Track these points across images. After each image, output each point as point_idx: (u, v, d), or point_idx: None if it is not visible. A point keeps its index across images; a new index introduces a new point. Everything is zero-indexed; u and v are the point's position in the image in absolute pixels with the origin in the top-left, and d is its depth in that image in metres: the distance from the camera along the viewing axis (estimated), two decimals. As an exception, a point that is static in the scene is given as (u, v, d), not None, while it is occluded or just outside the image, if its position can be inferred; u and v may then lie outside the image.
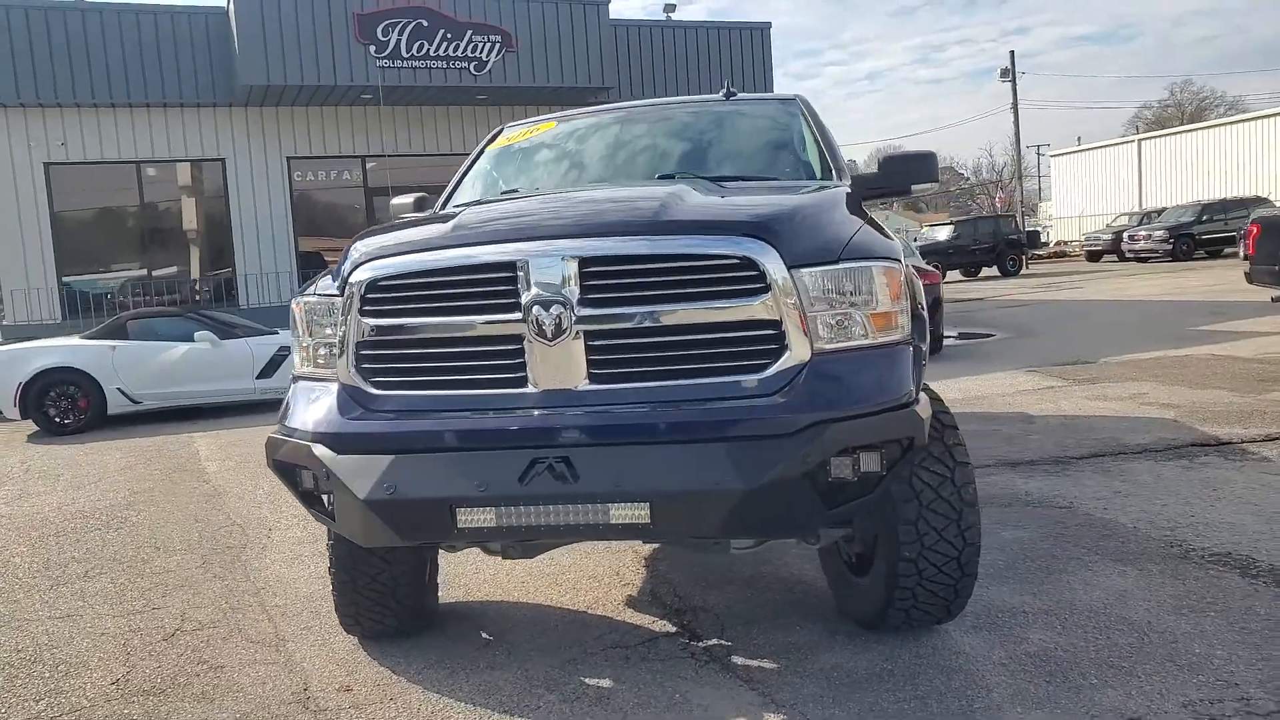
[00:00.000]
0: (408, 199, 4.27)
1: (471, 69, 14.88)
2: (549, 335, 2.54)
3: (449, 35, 14.63)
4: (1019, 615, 3.34)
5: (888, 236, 3.08)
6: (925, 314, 2.96)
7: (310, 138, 15.50)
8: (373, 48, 14.23)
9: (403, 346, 2.70)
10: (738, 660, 3.13)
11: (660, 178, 3.75)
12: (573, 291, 2.54)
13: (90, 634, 3.70)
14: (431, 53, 14.54)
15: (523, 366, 2.59)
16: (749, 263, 2.52)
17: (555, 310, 2.53)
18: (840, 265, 2.63)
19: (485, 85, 15.01)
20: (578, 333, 2.54)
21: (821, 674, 2.98)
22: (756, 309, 2.53)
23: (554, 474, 2.44)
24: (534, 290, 2.54)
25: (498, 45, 15.03)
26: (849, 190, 3.61)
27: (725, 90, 4.50)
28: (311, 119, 15.33)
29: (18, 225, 14.02)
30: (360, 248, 2.84)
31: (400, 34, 14.37)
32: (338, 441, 2.64)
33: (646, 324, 2.55)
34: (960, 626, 3.27)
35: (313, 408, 2.77)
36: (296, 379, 2.95)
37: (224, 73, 14.29)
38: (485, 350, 2.62)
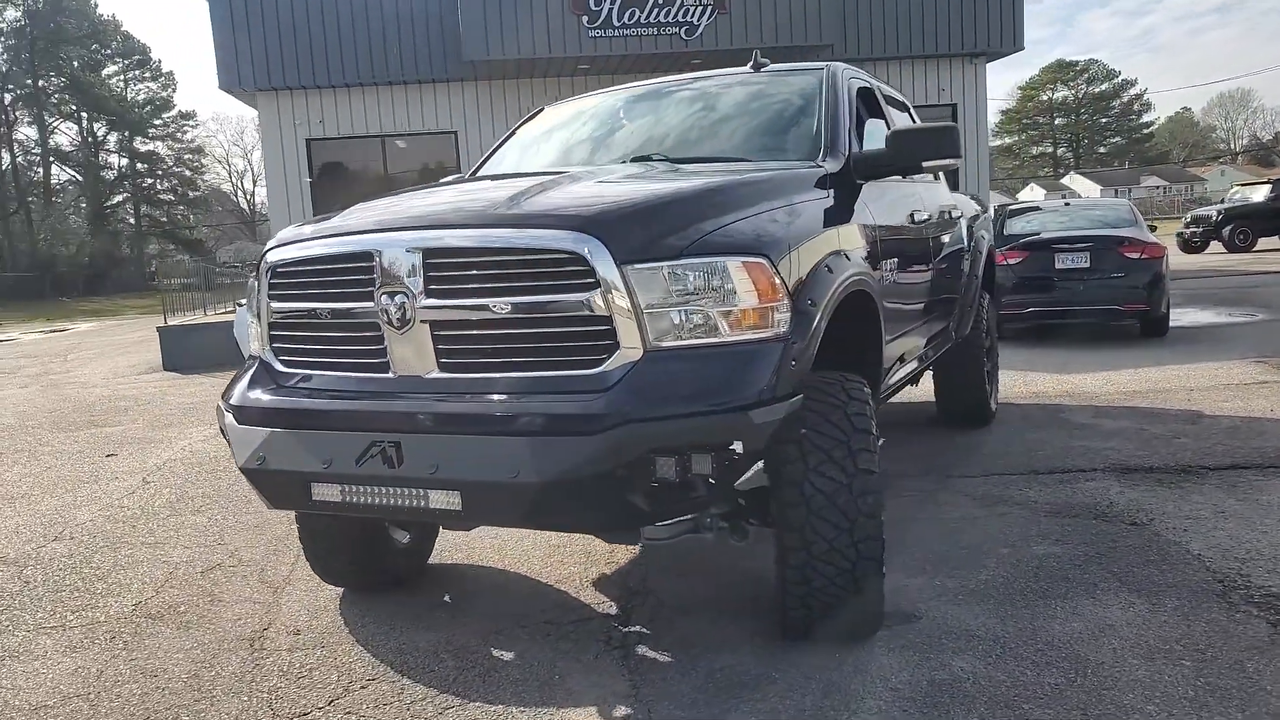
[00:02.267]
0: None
1: (682, 34, 14.95)
2: (397, 324, 2.67)
3: (659, 1, 14.78)
4: (964, 639, 3.07)
5: (846, 220, 2.92)
6: (815, 309, 2.75)
7: (533, 109, 16.28)
8: (585, 18, 14.69)
9: (297, 328, 2.94)
10: (642, 649, 3.13)
11: (632, 160, 3.73)
12: (417, 282, 2.64)
13: (157, 562, 4.33)
14: (642, 20, 14.76)
15: (384, 353, 2.74)
16: (577, 258, 2.50)
17: (400, 300, 2.65)
18: (683, 261, 2.53)
19: (696, 50, 15.04)
20: (424, 322, 2.65)
21: (708, 673, 2.92)
22: (586, 305, 2.51)
23: (384, 458, 2.58)
24: (383, 280, 2.68)
25: (709, 8, 14.98)
26: (828, 172, 3.41)
27: (754, 62, 4.34)
28: (535, 90, 16.09)
29: (284, 194, 15.96)
30: (281, 232, 3.10)
31: (612, 2, 14.71)
32: (238, 413, 2.93)
33: (486, 316, 2.61)
34: (890, 644, 3.06)
35: (239, 380, 3.08)
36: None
37: (453, 50, 15.34)
38: (354, 336, 2.79)
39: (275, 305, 2.97)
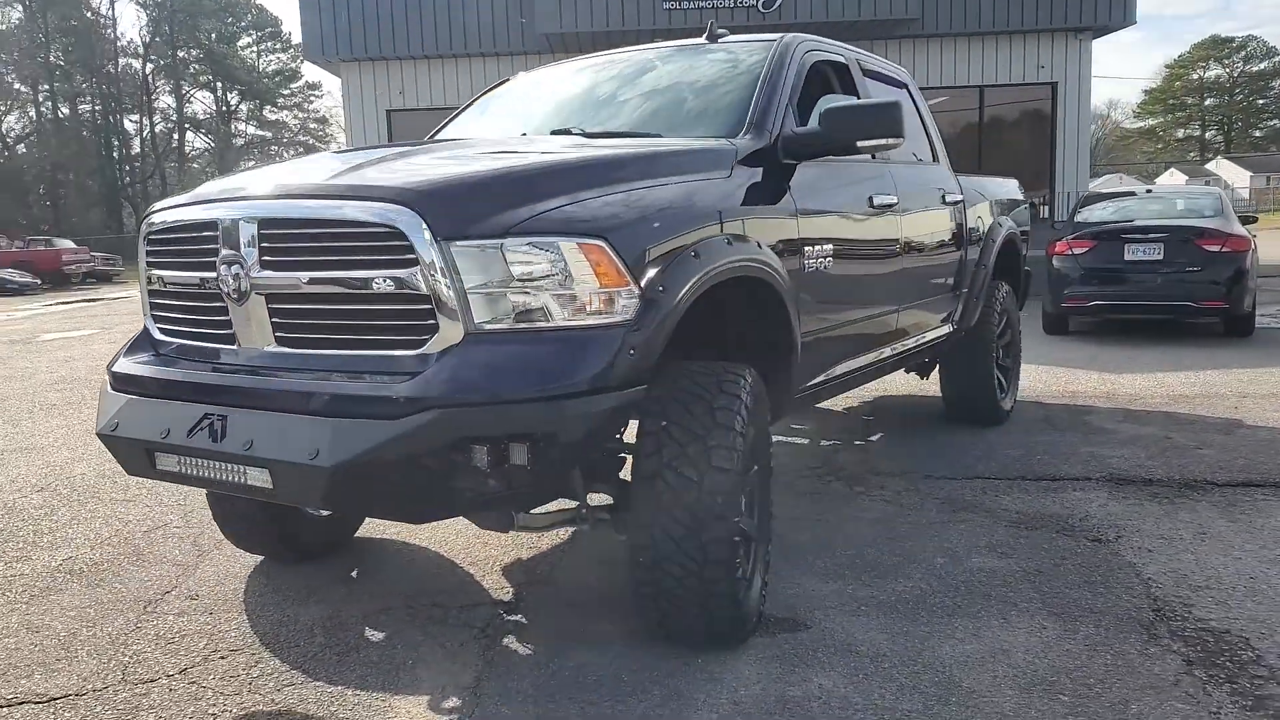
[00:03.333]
0: None
1: (760, 6, 14.59)
2: (235, 296, 2.64)
3: (737, -27, 14.47)
4: (842, 654, 2.89)
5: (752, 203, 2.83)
6: (669, 296, 2.59)
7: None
8: (660, -9, 14.50)
9: (167, 295, 2.94)
10: (508, 640, 3.06)
11: (552, 132, 3.61)
12: (252, 253, 2.60)
13: (111, 519, 4.47)
14: (718, -8, 14.48)
15: (230, 324, 2.72)
16: (396, 233, 2.41)
17: (235, 270, 2.62)
18: (509, 240, 2.41)
19: (774, 23, 14.63)
20: (260, 295, 2.61)
21: (557, 671, 2.83)
22: (405, 282, 2.42)
23: (210, 431, 2.56)
24: (223, 250, 2.65)
25: (788, -20, 14.57)
26: (739, 150, 3.22)
27: (709, 32, 4.14)
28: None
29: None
30: (165, 199, 3.11)
31: (688, -25, 14.47)
32: (113, 379, 2.96)
33: (315, 290, 2.55)
34: (763, 652, 2.91)
35: (125, 347, 3.11)
36: None
37: (528, 23, 15.39)
38: (205, 306, 2.78)
39: (150, 271, 2.99)
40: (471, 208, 2.44)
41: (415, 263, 2.40)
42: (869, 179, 4.05)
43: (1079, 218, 10.35)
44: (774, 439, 5.69)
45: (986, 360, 5.56)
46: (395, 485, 2.40)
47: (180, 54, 62.48)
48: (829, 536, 3.93)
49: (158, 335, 3.01)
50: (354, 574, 3.68)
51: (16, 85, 56.00)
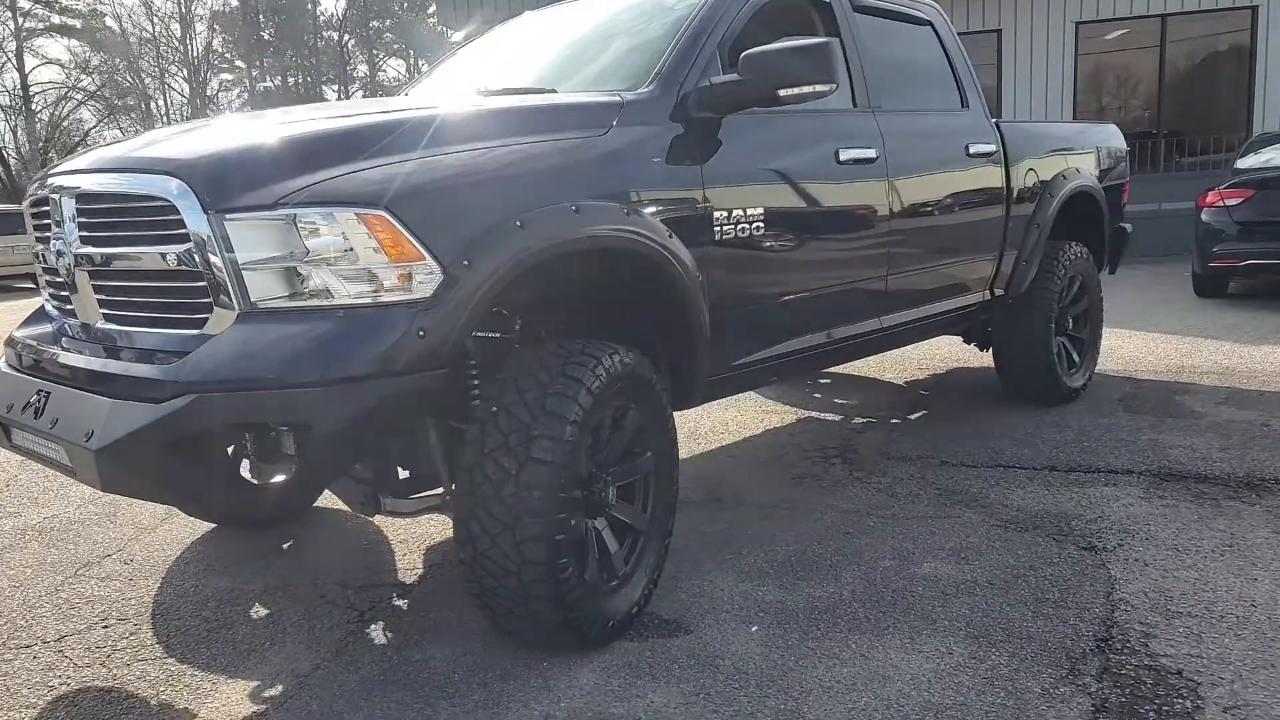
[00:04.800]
0: None
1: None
2: (63, 270, 2.62)
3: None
4: (701, 668, 2.61)
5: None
6: (473, 273, 2.35)
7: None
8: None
9: (42, 269, 2.98)
10: (373, 628, 2.96)
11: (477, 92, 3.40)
12: (73, 229, 2.57)
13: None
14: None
15: (70, 299, 2.71)
16: (169, 205, 2.30)
17: (58, 245, 2.60)
18: (282, 211, 2.25)
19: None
20: (82, 270, 2.58)
21: (395, 665, 2.70)
22: (182, 258, 2.32)
23: (35, 408, 2.56)
24: (53, 226, 2.64)
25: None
26: (626, 104, 2.92)
27: None
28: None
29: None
30: None
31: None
32: (4, 348, 3.04)
33: (120, 266, 2.50)
34: (618, 660, 2.68)
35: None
36: None
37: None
38: (57, 281, 2.78)
39: (36, 245, 3.03)
40: (243, 177, 2.29)
41: (188, 237, 2.29)
42: (839, 132, 3.60)
43: (1240, 163, 9.06)
44: (810, 414, 5.35)
45: (1043, 330, 4.92)
46: (167, 472, 2.31)
47: (374, 24, 65.82)
48: (783, 528, 3.59)
49: (47, 307, 3.06)
50: (286, 546, 3.69)
51: (237, 61, 61.01)
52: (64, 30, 44.44)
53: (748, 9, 3.40)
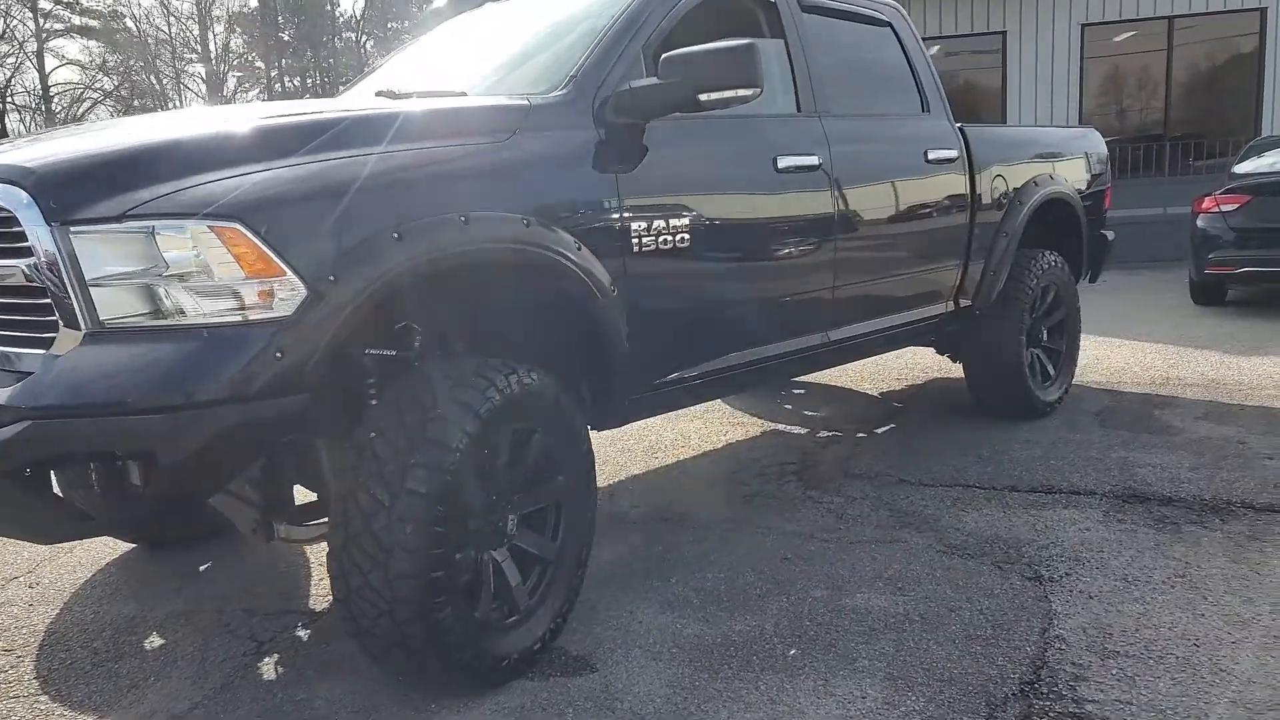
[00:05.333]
0: None
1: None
2: None
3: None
4: (594, 711, 2.45)
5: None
6: (338, 290, 2.20)
7: None
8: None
9: None
10: (269, 660, 2.82)
11: (377, 94, 3.24)
12: None
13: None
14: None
15: None
16: (11, 217, 2.16)
17: None
18: (130, 224, 2.10)
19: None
20: None
21: (279, 704, 2.56)
22: (25, 273, 2.17)
23: None
24: None
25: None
26: (532, 108, 2.77)
27: None
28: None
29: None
30: None
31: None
32: None
33: None
34: (505, 704, 2.52)
35: None
36: None
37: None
38: None
39: None
40: (91, 187, 2.14)
41: (31, 251, 2.15)
42: (778, 139, 3.44)
43: (1238, 168, 8.80)
44: (776, 427, 5.17)
45: (1013, 342, 4.73)
46: (7, 501, 2.17)
47: (392, 25, 66.06)
48: (720, 552, 3.42)
49: None
50: (203, 568, 3.55)
51: (257, 62, 61.27)
52: (84, 31, 44.56)
53: (678, 10, 3.23)
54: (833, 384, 6.15)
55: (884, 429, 5.07)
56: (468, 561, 2.46)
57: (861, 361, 6.39)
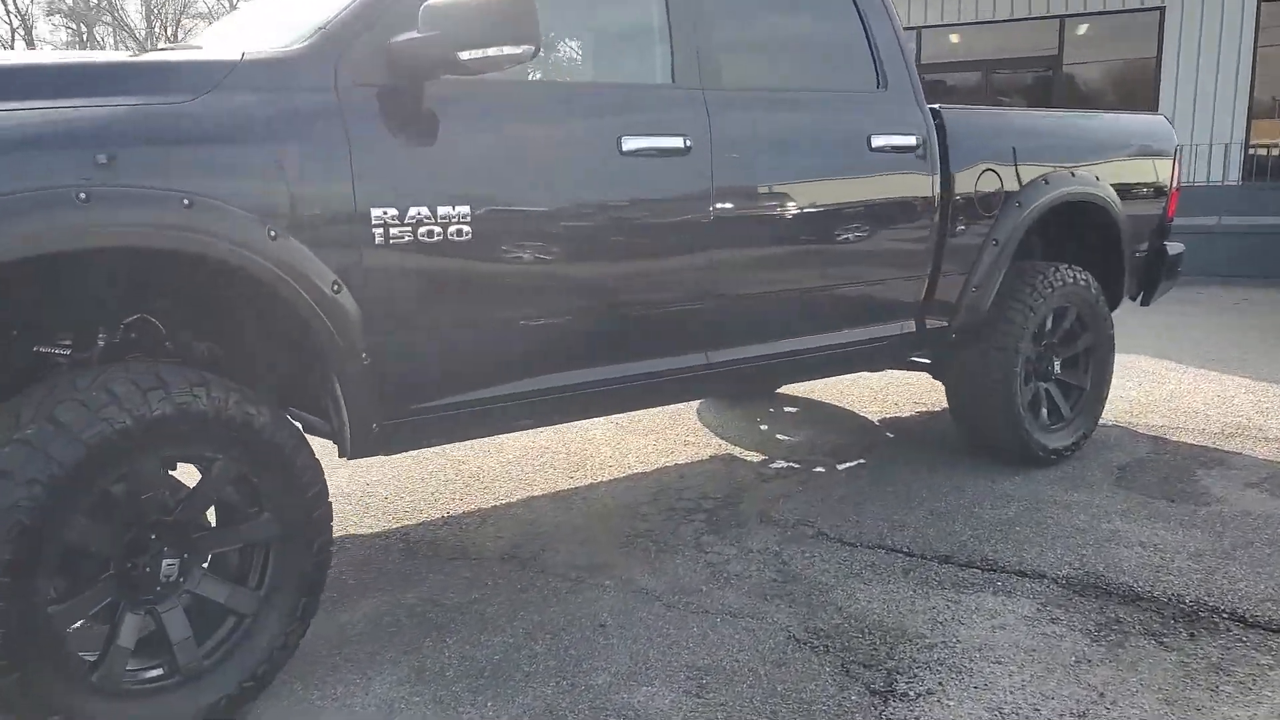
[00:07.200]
0: None
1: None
2: None
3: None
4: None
5: None
6: None
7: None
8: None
9: None
10: None
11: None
12: None
13: None
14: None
15: None
16: None
17: None
18: None
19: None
20: None
21: None
22: None
23: None
24: None
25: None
26: (251, 67, 2.29)
27: None
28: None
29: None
30: None
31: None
32: None
33: None
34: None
35: None
36: None
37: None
38: None
39: None
40: None
41: None
42: (632, 114, 2.81)
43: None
44: (730, 451, 4.51)
45: (1004, 374, 3.89)
46: None
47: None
48: (530, 610, 2.87)
49: None
50: None
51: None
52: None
53: None
54: (835, 402, 5.40)
55: (851, 464, 4.32)
56: (69, 618, 2.03)
57: (881, 381, 5.65)
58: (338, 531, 3.45)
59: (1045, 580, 3.05)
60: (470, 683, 2.46)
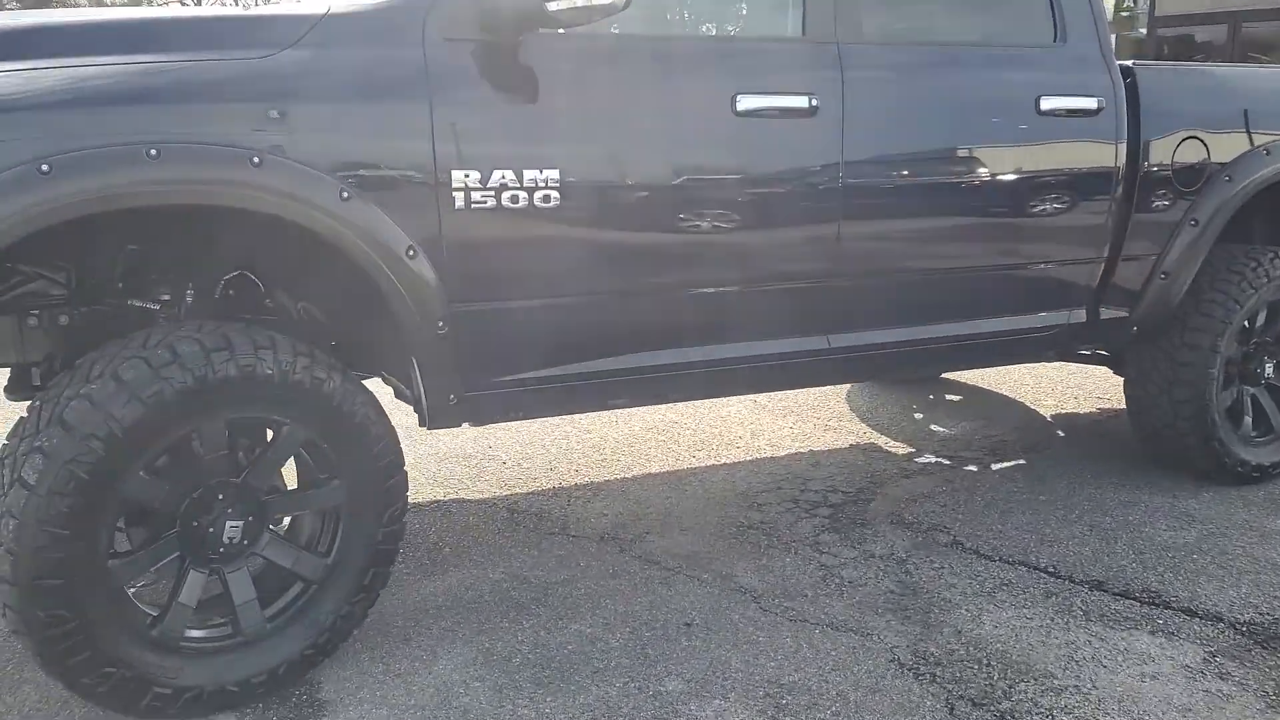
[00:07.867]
0: None
1: None
2: None
3: None
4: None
5: None
6: None
7: None
8: None
9: None
10: None
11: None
12: None
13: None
14: None
15: None
16: None
17: None
18: None
19: None
20: None
21: None
22: None
23: None
24: None
25: None
26: (333, 23, 2.22)
27: None
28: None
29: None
30: None
31: None
32: None
33: None
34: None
35: None
36: None
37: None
38: None
39: None
40: None
41: None
42: (748, 72, 2.53)
43: None
44: (875, 440, 4.17)
45: (1197, 374, 3.35)
46: None
47: None
48: (616, 600, 2.71)
49: None
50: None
51: None
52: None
53: None
54: (1005, 392, 4.91)
55: (1008, 464, 3.89)
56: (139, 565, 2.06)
57: (1062, 371, 5.09)
58: (449, 495, 3.46)
59: (1220, 624, 2.59)
60: (535, 673, 2.34)
